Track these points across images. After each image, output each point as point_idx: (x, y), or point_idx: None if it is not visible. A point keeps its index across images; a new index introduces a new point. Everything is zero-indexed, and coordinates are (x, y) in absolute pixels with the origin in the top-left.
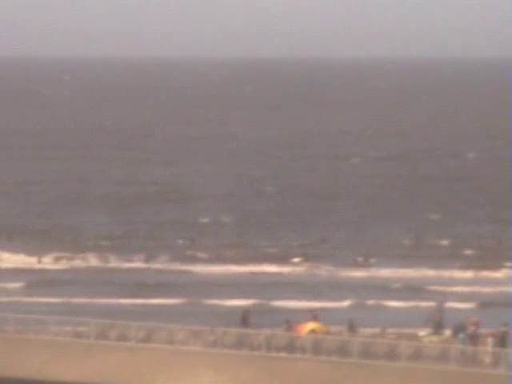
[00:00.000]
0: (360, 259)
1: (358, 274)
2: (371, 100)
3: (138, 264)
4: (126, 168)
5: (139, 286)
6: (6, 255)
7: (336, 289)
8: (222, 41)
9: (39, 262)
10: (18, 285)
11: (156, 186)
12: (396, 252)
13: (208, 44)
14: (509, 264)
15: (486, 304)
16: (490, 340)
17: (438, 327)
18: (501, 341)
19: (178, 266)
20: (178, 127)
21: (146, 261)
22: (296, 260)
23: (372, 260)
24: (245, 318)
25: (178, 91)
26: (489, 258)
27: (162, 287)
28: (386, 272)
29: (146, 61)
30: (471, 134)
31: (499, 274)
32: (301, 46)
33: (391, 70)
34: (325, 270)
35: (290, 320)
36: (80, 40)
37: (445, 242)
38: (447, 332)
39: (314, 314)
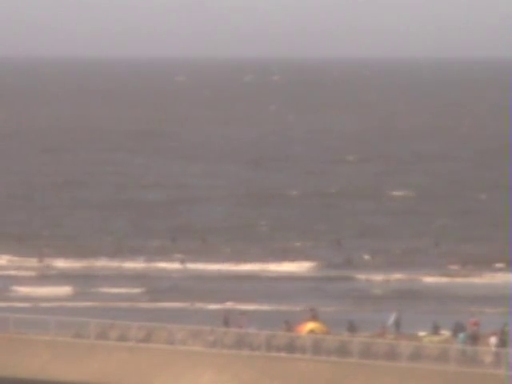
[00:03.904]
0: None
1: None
2: (372, 100)
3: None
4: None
5: None
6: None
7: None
8: (222, 41)
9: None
10: None
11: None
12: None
13: (208, 44)
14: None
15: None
16: (492, 340)
17: (397, 327)
18: (503, 340)
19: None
20: (179, 127)
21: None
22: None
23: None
24: (226, 319)
25: (179, 91)
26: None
27: None
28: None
29: (147, 61)
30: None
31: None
32: (301, 46)
33: (393, 70)
34: None
35: (290, 320)
36: (79, 40)
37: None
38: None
39: (313, 314)
